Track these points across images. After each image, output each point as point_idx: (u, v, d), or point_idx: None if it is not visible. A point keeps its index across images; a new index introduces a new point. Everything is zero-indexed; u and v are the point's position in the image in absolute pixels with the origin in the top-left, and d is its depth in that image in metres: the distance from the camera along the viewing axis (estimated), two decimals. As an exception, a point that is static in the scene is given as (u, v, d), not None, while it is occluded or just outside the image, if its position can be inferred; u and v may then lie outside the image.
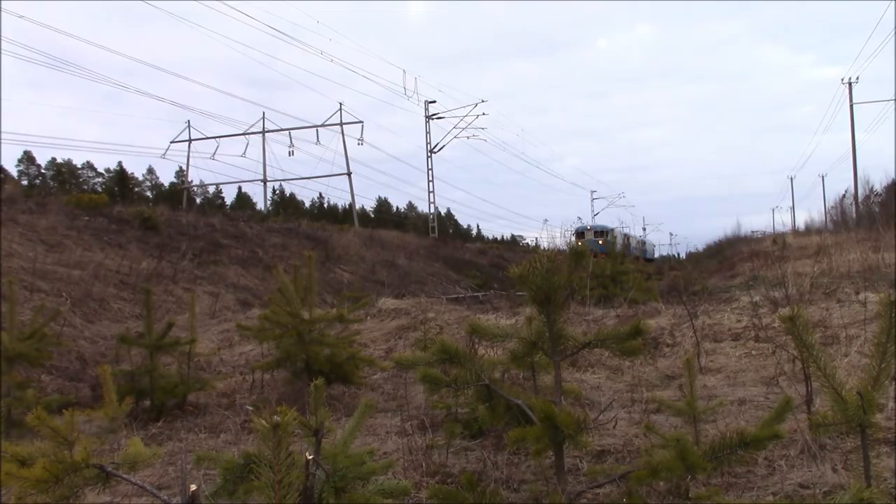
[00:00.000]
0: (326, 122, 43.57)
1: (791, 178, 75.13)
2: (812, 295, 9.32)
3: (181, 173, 63.08)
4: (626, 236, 62.32)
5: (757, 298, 9.15)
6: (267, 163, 44.53)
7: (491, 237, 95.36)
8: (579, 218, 60.44)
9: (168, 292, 13.58)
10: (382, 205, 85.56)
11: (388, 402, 5.98)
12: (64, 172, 70.88)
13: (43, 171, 71.23)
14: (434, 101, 47.34)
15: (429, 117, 46.98)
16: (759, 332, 7.45)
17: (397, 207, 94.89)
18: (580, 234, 51.16)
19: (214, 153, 47.07)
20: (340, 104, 44.19)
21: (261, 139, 45.00)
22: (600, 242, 46.92)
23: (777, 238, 32.27)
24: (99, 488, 2.15)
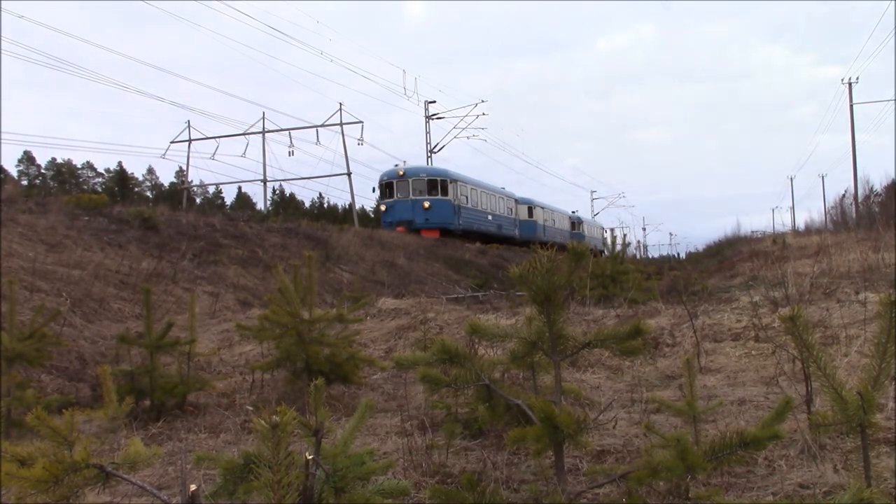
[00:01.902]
0: (326, 122, 43.55)
1: (791, 178, 75.14)
2: (812, 295, 9.32)
3: (181, 173, 63.16)
4: (527, 208, 40.24)
5: (757, 298, 9.15)
6: (267, 163, 44.52)
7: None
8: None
9: (168, 292, 13.57)
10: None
11: (388, 402, 5.98)
12: (64, 172, 70.89)
13: (43, 171, 71.26)
14: (434, 101, 47.34)
15: (429, 117, 46.95)
16: (759, 332, 7.45)
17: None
18: (385, 187, 29.70)
19: (214, 153, 47.09)
20: (340, 104, 44.13)
21: (261, 139, 45.00)
22: (426, 206, 28.17)
23: (777, 238, 32.25)
24: (99, 488, 2.15)
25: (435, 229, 28.48)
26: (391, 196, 29.75)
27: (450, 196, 29.68)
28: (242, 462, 2.33)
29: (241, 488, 2.29)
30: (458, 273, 26.93)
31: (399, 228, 27.80)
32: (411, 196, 29.09)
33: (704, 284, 16.65)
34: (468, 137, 47.49)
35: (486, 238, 32.94)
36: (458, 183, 30.65)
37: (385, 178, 30.29)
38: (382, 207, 30.40)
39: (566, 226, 49.33)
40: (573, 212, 53.90)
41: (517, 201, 39.64)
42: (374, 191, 33.26)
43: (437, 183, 29.45)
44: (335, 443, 2.43)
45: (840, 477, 3.21)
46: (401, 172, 29.79)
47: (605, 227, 65.67)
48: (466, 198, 31.55)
